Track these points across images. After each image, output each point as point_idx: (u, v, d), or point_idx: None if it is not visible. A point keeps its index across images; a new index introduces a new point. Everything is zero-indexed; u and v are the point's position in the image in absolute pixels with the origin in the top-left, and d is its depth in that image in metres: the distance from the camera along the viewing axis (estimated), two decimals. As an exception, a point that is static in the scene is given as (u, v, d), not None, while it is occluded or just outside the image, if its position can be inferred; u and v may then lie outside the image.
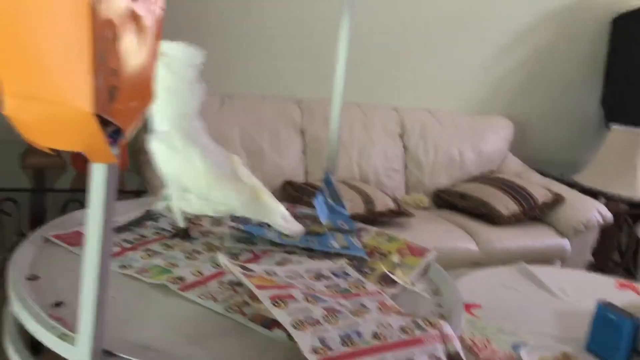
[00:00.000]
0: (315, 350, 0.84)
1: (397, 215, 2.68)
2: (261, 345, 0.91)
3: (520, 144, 3.66)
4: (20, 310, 0.91)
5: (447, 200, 3.10)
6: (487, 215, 2.89)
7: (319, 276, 1.10)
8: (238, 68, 2.97)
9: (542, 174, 3.41)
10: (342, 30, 1.47)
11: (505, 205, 2.90)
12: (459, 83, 3.51)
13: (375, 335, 0.90)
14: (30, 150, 2.32)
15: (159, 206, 1.27)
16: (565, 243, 2.91)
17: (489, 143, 3.41)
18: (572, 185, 3.29)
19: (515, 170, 3.42)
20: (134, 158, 2.63)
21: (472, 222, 2.89)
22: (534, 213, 2.93)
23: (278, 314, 0.90)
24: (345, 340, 0.87)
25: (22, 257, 1.05)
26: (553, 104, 3.79)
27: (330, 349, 0.85)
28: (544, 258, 2.84)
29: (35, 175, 2.31)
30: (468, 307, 1.81)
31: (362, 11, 2.91)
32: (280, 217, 1.22)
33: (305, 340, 0.86)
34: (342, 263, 1.19)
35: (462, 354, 0.90)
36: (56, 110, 0.59)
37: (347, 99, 2.89)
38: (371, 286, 1.11)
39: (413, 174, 3.22)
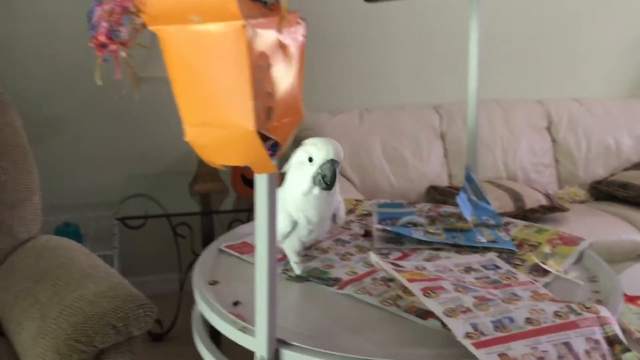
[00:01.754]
0: (468, 336, 0.89)
1: (550, 210, 2.59)
2: (417, 333, 0.97)
3: (685, 124, 3.35)
4: (206, 310, 1.06)
5: (606, 192, 2.92)
6: (652, 204, 2.68)
7: (468, 269, 1.14)
8: (374, 81, 3.07)
9: None
10: (472, 28, 1.49)
11: (673, 190, 2.68)
12: (607, 67, 3.31)
13: (529, 320, 0.91)
14: (197, 178, 2.60)
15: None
16: None
17: (647, 127, 3.17)
18: None
19: (682, 152, 3.14)
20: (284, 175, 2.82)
21: (635, 212, 2.70)
22: None
23: (430, 303, 0.95)
24: (498, 325, 0.90)
25: (203, 266, 1.22)
26: None
27: (483, 334, 0.89)
28: None
29: (202, 201, 2.57)
30: (634, 299, 1.71)
31: (494, 6, 2.89)
32: None
33: (458, 327, 0.90)
34: (492, 256, 1.21)
35: (621, 337, 0.89)
36: (226, 132, 0.71)
37: (486, 97, 2.86)
38: (523, 277, 1.12)
39: (565, 167, 3.09)
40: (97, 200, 2.72)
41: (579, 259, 1.23)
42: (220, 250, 1.31)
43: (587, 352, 0.87)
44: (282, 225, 1.09)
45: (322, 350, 0.89)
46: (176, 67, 0.72)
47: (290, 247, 1.13)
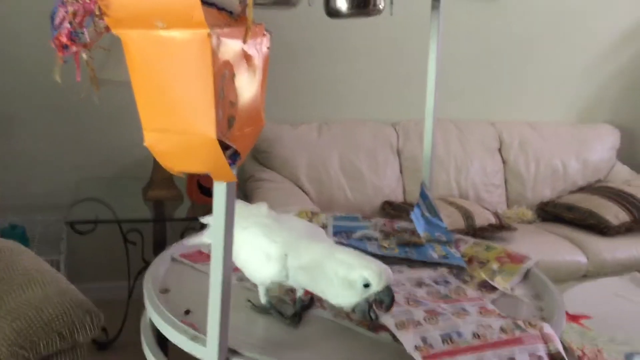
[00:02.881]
0: (417, 349, 0.90)
1: (499, 229, 2.66)
2: (367, 346, 0.99)
3: (629, 151, 3.51)
4: (156, 318, 1.04)
5: (553, 213, 3.02)
6: (596, 226, 2.79)
7: (420, 283, 1.16)
8: (334, 95, 3.10)
9: (655, 181, 3.24)
10: (431, 48, 1.53)
11: (615, 214, 2.79)
12: (559, 93, 3.44)
13: (475, 335, 0.94)
14: (151, 184, 2.56)
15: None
16: (683, 252, 2.75)
17: (594, 152, 3.30)
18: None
19: (624, 178, 3.28)
20: (242, 186, 2.81)
21: (580, 234, 2.80)
22: (647, 221, 2.79)
23: (382, 317, 0.97)
24: (446, 339, 0.93)
25: (154, 274, 1.20)
26: (662, 107, 3.61)
27: (432, 347, 0.91)
28: (662, 268, 2.69)
29: (155, 207, 2.53)
30: (577, 318, 1.77)
31: (453, 29, 2.97)
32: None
33: (408, 340, 0.92)
34: (443, 271, 1.24)
35: (563, 353, 0.92)
36: (186, 139, 0.71)
37: (442, 116, 2.92)
38: (471, 292, 1.15)
39: (514, 188, 3.18)
40: (46, 202, 2.64)
41: (525, 277, 1.27)
42: (173, 259, 1.30)
43: None
44: (266, 270, 1.02)
45: (273, 361, 0.90)
46: (138, 71, 0.72)
47: (262, 282, 1.07)
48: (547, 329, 0.96)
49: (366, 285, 0.92)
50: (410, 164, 3.01)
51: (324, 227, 1.53)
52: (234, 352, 0.91)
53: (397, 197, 2.98)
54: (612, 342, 1.64)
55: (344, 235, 1.43)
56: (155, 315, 1.05)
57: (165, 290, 1.15)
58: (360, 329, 1.03)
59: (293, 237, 1.03)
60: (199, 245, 1.32)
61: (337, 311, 1.08)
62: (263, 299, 1.07)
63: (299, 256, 0.99)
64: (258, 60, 0.75)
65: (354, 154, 2.94)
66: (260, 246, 1.03)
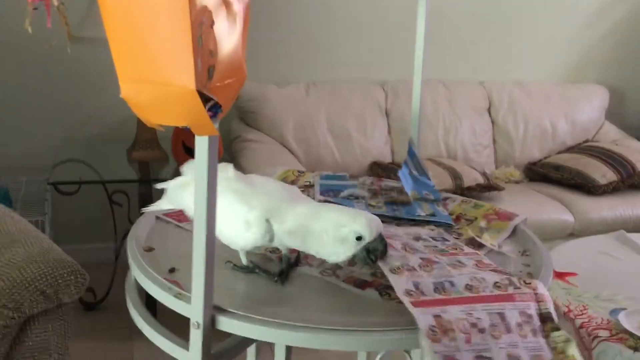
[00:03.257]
0: (408, 293, 0.90)
1: (487, 189, 2.66)
2: (354, 303, 0.98)
3: (617, 111, 3.50)
4: (140, 277, 1.03)
5: (540, 173, 3.03)
6: (583, 186, 2.80)
7: (417, 238, 1.15)
8: (321, 55, 3.05)
9: (642, 140, 3.25)
10: (420, 6, 1.49)
11: (602, 174, 2.80)
12: (549, 52, 3.40)
13: (468, 287, 0.93)
14: (136, 145, 2.52)
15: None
16: (669, 210, 2.78)
17: (583, 112, 3.29)
18: (676, 150, 3.11)
19: (612, 138, 3.28)
20: (229, 147, 2.78)
21: (567, 193, 2.82)
22: (633, 181, 2.81)
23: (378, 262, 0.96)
24: (438, 287, 0.92)
25: (138, 233, 1.18)
26: (652, 67, 3.59)
27: (423, 294, 0.90)
28: (646, 227, 2.72)
29: (140, 168, 2.50)
30: (564, 275, 1.79)
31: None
32: None
33: (400, 283, 0.92)
34: (440, 230, 1.23)
35: (554, 316, 0.91)
36: (164, 90, 0.68)
37: (430, 77, 2.89)
38: (468, 248, 1.14)
39: (503, 148, 3.18)
40: (29, 164, 2.60)
41: (513, 234, 1.27)
42: (157, 218, 1.28)
43: (519, 325, 0.89)
44: (247, 237, 0.99)
45: (258, 317, 0.89)
46: (113, 19, 0.69)
47: (243, 247, 1.05)
48: (541, 289, 0.95)
49: (359, 238, 0.94)
50: (399, 124, 2.98)
51: (311, 186, 1.51)
52: (219, 309, 0.90)
53: (385, 158, 2.96)
54: (597, 298, 1.66)
55: (331, 194, 1.41)
56: (140, 274, 1.03)
57: (149, 249, 1.13)
58: (347, 285, 1.02)
59: (273, 201, 1.01)
60: (158, 210, 1.28)
61: (324, 268, 1.07)
62: (245, 261, 1.06)
63: (283, 221, 0.98)
64: (238, 7, 0.71)
65: (342, 114, 2.91)
66: (236, 213, 1.00)
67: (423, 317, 0.86)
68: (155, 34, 0.68)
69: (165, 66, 0.68)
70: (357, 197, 1.40)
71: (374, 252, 0.95)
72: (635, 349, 1.44)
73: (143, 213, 1.28)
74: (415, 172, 1.47)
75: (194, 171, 0.82)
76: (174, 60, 0.66)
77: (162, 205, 1.22)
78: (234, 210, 1.00)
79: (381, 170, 2.77)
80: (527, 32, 3.32)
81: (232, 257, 1.08)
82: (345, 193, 1.43)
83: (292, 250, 1.07)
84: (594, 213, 2.69)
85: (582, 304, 1.62)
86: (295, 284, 1.03)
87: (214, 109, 0.70)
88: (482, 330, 0.86)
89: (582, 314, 1.57)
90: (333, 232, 0.94)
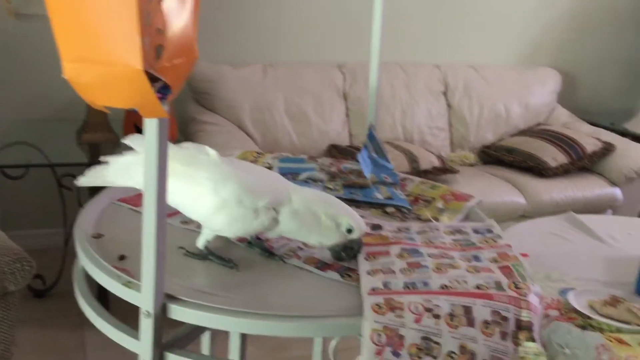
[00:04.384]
0: (373, 289, 0.89)
1: (442, 172, 2.69)
2: (314, 285, 0.97)
3: (569, 95, 3.58)
4: (88, 265, 0.99)
5: (494, 156, 3.08)
6: (535, 168, 2.86)
7: (455, 231, 1.14)
8: (279, 36, 3.00)
9: (592, 124, 3.33)
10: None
11: (553, 156, 2.87)
12: (503, 37, 3.44)
13: (443, 287, 0.89)
14: (86, 127, 2.44)
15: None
16: (616, 192, 2.87)
17: (536, 96, 3.35)
18: (624, 133, 3.21)
19: (564, 121, 3.36)
20: (183, 129, 2.72)
21: (519, 176, 2.87)
22: (583, 163, 2.89)
23: (362, 264, 0.98)
24: (409, 286, 0.89)
25: (87, 219, 1.14)
26: (602, 52, 3.67)
27: (388, 289, 0.89)
28: (595, 208, 2.81)
29: (91, 151, 2.43)
30: (515, 256, 1.82)
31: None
32: None
33: (368, 282, 0.91)
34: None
35: (536, 327, 0.86)
36: (110, 70, 0.64)
37: (388, 59, 2.88)
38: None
39: (458, 131, 3.21)
40: (-28, 146, 2.48)
41: (466, 217, 1.28)
42: (109, 203, 1.23)
43: (486, 323, 0.85)
44: (254, 224, 0.98)
45: (210, 305, 0.87)
46: (53, -6, 0.65)
47: (243, 234, 1.03)
48: (533, 298, 0.89)
49: (349, 231, 1.00)
50: (357, 107, 2.98)
51: (270, 168, 1.49)
52: (171, 297, 0.88)
53: (343, 141, 2.95)
54: (548, 279, 1.70)
55: (289, 177, 1.39)
56: (87, 261, 1.00)
57: (98, 235, 1.09)
58: (308, 266, 1.01)
59: (279, 186, 1.03)
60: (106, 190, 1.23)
61: (286, 250, 1.05)
62: (202, 245, 1.03)
63: (289, 207, 1.00)
64: (188, -16, 0.68)
65: (299, 96, 2.88)
66: (241, 202, 0.97)
67: (371, 298, 0.85)
68: (100, 11, 0.64)
69: (110, 45, 0.64)
70: (315, 180, 1.39)
71: (350, 249, 1.01)
72: (584, 328, 1.48)
73: (93, 197, 1.24)
74: (374, 155, 1.46)
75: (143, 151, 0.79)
76: (120, 39, 0.63)
77: (107, 178, 1.12)
78: (236, 198, 0.97)
79: (339, 153, 2.76)
80: (482, 17, 3.35)
81: (185, 243, 1.05)
82: (303, 176, 1.41)
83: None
84: (545, 195, 2.76)
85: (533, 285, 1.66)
86: (256, 269, 1.02)
87: (163, 90, 0.67)
88: (437, 316, 0.84)
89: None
90: (333, 216, 0.99)
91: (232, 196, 0.97)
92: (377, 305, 0.84)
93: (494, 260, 1.00)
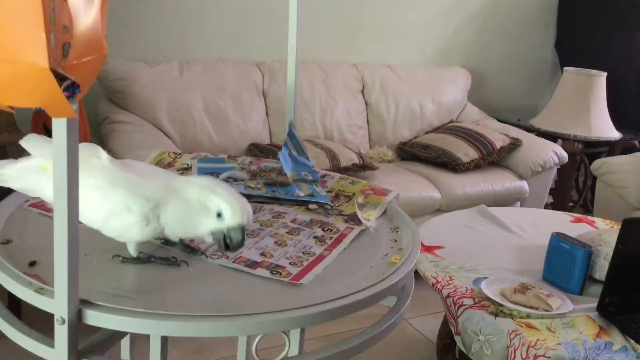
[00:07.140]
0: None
1: (362, 169, 2.75)
2: (242, 285, 0.97)
3: (478, 93, 3.75)
4: (-4, 272, 0.94)
5: (410, 152, 3.18)
6: (448, 164, 2.98)
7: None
8: (194, 32, 2.96)
9: (501, 120, 3.51)
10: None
11: (465, 152, 3.00)
12: (416, 37, 3.56)
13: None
14: (-11, 128, 2.31)
15: None
16: (523, 185, 3.04)
17: (448, 94, 3.49)
18: (530, 129, 3.40)
19: (474, 118, 3.51)
20: (97, 130, 2.63)
21: (434, 171, 2.98)
22: (493, 158, 3.03)
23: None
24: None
25: (-7, 225, 1.08)
26: (509, 52, 3.88)
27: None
28: (505, 200, 2.96)
29: (-3, 153, 2.30)
30: (431, 248, 1.90)
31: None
32: None
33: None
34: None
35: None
36: (14, 69, 0.62)
37: (306, 58, 2.90)
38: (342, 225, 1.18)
39: (376, 128, 3.29)
40: None
41: (384, 212, 1.32)
42: (18, 208, 1.17)
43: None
44: (148, 228, 0.94)
45: (126, 308, 0.84)
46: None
47: (139, 240, 0.98)
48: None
49: (219, 215, 0.91)
50: (277, 105, 2.98)
51: (189, 169, 1.47)
52: (86, 302, 0.85)
53: (264, 139, 2.95)
54: (462, 269, 1.78)
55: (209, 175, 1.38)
56: (-5, 269, 0.95)
57: (6, 242, 1.04)
58: (237, 265, 1.01)
59: (167, 185, 0.96)
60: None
61: (213, 250, 1.04)
62: (135, 253, 1.00)
63: (175, 200, 0.94)
64: (96, -20, 0.66)
65: (218, 95, 2.85)
66: (130, 209, 0.93)
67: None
68: (2, 8, 0.61)
69: (13, 42, 0.61)
70: (236, 179, 1.39)
71: (230, 239, 0.92)
72: (496, 315, 1.56)
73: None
74: (294, 153, 1.47)
75: (51, 153, 0.76)
76: (24, 36, 0.60)
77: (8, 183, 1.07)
78: (125, 202, 0.93)
79: (259, 151, 2.76)
80: (398, 18, 3.45)
81: (118, 250, 1.01)
82: (224, 175, 1.40)
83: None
84: (459, 189, 2.88)
85: (448, 275, 1.73)
86: (182, 270, 1.00)
87: (71, 89, 0.65)
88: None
89: (449, 285, 1.68)
90: (203, 200, 0.91)
91: (121, 204, 0.93)
92: None
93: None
